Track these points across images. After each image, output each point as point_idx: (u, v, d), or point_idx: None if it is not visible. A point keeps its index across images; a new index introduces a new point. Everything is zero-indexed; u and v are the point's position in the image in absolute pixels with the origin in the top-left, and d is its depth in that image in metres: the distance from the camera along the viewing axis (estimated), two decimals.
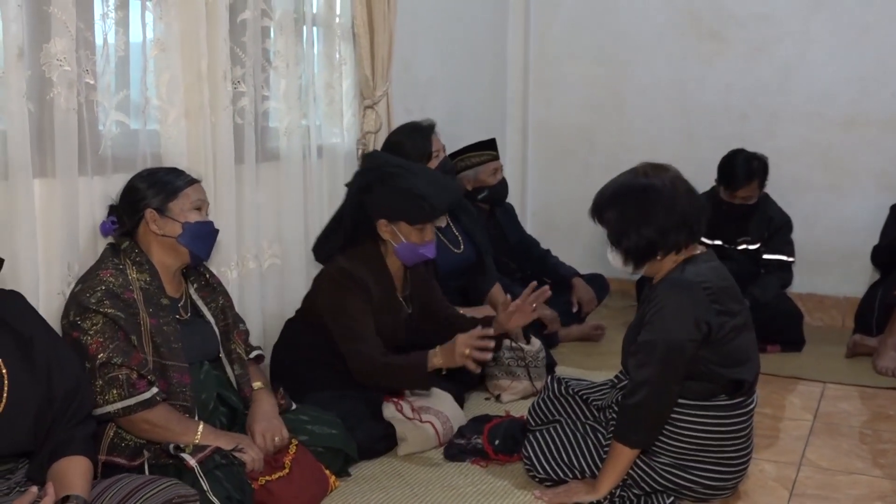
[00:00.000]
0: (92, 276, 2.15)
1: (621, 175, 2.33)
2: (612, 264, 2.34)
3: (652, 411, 2.20)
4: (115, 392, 2.03)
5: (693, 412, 2.23)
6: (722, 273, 2.28)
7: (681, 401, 2.23)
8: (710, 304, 2.16)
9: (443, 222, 3.45)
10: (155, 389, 2.09)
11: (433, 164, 3.35)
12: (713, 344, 2.18)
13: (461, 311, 3.08)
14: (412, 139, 3.35)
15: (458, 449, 2.64)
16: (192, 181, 2.33)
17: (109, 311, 2.07)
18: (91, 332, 2.05)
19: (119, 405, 2.03)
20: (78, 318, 2.07)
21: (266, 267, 3.01)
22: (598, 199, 2.32)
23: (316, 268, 2.96)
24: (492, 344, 2.46)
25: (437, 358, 2.49)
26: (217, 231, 2.39)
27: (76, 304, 2.09)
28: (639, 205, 2.23)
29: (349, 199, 2.82)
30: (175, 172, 2.33)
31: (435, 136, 3.41)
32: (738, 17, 4.53)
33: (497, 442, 2.59)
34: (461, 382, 2.97)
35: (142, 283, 2.20)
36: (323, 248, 2.89)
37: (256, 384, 2.43)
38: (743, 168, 3.92)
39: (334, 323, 2.69)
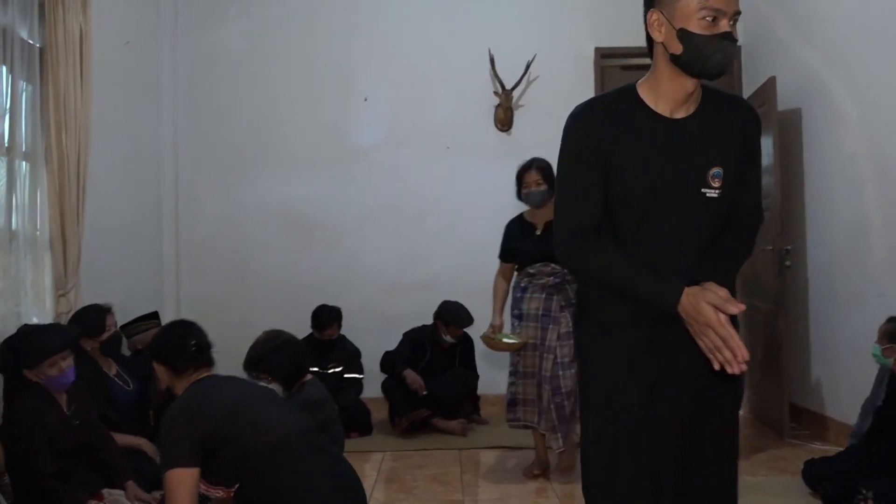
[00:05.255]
0: None
1: (267, 333, 3.70)
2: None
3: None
4: None
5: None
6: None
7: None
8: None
9: (109, 369, 4.43)
10: None
11: (104, 336, 4.35)
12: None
13: None
14: (88, 314, 4.38)
15: None
16: None
17: None
18: None
19: None
20: None
21: None
22: (254, 350, 3.59)
23: None
24: None
25: None
26: None
27: None
28: (286, 349, 3.54)
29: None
30: None
31: (110, 314, 4.46)
32: (321, 225, 6.52)
33: None
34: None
35: None
36: None
37: None
38: (325, 316, 5.80)
39: (17, 451, 3.34)
